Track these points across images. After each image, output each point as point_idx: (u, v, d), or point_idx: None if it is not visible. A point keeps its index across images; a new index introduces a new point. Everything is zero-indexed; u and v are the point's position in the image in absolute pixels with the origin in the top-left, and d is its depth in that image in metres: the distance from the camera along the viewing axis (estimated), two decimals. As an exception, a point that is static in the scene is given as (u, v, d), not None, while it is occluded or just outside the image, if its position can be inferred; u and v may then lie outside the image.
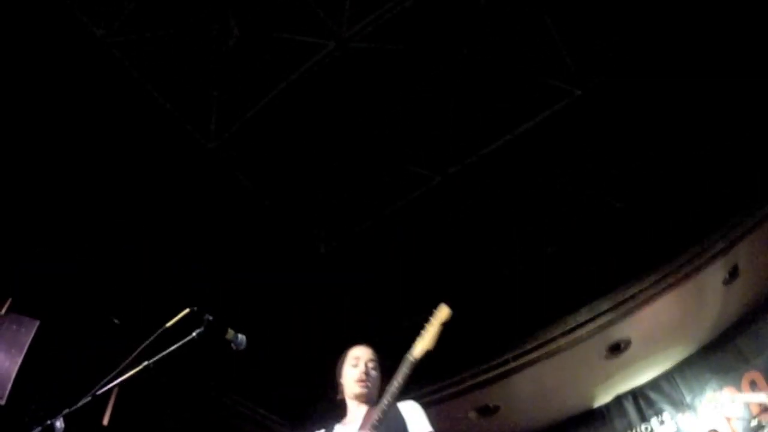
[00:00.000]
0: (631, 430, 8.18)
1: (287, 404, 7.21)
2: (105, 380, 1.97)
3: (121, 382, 1.97)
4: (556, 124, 5.04)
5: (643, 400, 8.23)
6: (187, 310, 2.06)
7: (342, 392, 2.88)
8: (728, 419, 7.52)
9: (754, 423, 6.29)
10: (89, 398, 1.94)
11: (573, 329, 6.30)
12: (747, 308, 7.77)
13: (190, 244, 5.07)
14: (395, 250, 5.59)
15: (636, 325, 6.60)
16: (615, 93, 4.97)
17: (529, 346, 6.46)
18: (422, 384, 6.53)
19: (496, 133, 5.00)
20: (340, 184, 5.04)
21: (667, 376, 8.15)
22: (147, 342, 1.98)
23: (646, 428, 8.12)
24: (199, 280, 5.19)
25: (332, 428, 2.76)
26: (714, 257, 6.28)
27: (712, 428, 6.80)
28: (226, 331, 2.15)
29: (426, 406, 6.45)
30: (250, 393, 6.80)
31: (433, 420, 2.77)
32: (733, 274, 6.87)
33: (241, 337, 2.20)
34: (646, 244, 6.07)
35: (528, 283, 5.95)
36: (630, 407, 8.22)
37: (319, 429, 2.77)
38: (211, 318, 2.08)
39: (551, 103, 4.90)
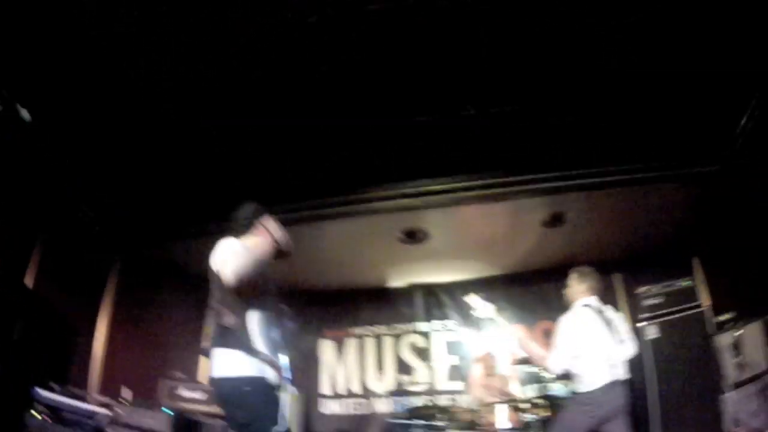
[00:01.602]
0: (414, 320, 8.54)
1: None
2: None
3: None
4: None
5: (434, 299, 8.52)
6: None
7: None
8: (513, 354, 7.86)
9: (534, 369, 6.52)
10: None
11: (372, 199, 6.26)
12: (564, 260, 7.89)
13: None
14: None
15: (437, 222, 6.66)
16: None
17: (328, 201, 6.40)
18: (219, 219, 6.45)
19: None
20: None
21: (465, 286, 8.33)
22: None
23: (430, 327, 8.46)
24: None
25: None
26: (533, 193, 6.23)
27: (484, 354, 6.99)
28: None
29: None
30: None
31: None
32: (557, 220, 6.89)
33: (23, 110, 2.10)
34: (473, 153, 5.93)
35: (346, 146, 5.80)
36: (420, 300, 8.52)
37: None
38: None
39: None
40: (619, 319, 4.64)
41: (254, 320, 3.05)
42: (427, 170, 6.04)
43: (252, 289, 3.01)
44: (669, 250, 7.97)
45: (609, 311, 4.67)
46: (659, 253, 7.95)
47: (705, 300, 7.37)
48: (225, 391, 3.03)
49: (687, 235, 7.81)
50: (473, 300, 4.95)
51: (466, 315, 8.31)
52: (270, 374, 3.00)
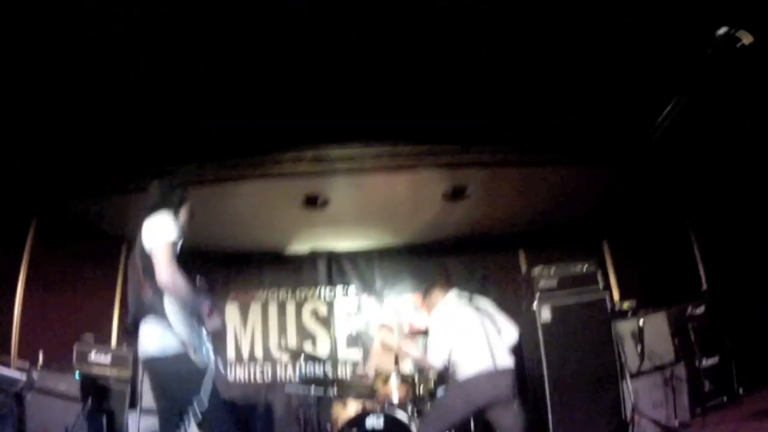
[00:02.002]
0: (316, 287, 8.52)
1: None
2: None
3: None
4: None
5: (336, 266, 8.54)
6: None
7: None
8: (410, 324, 7.94)
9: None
10: None
11: (273, 163, 6.15)
12: (467, 232, 8.06)
13: None
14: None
15: (337, 188, 6.59)
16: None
17: (232, 163, 6.24)
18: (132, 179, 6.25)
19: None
20: None
21: (368, 255, 8.43)
22: None
23: (330, 292, 8.48)
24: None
25: None
26: (434, 165, 6.24)
27: (384, 324, 7.02)
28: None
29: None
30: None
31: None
32: (458, 193, 6.92)
33: None
34: (375, 121, 5.84)
35: (252, 109, 5.63)
36: (322, 266, 8.50)
37: None
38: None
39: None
40: (493, 307, 4.67)
41: (170, 299, 3.08)
42: (328, 136, 5.95)
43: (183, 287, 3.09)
44: (577, 231, 8.21)
45: (479, 300, 4.71)
46: (567, 233, 8.18)
47: (608, 285, 7.65)
48: (151, 368, 3.16)
49: (597, 219, 8.06)
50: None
51: (367, 283, 8.37)
52: (191, 354, 3.05)
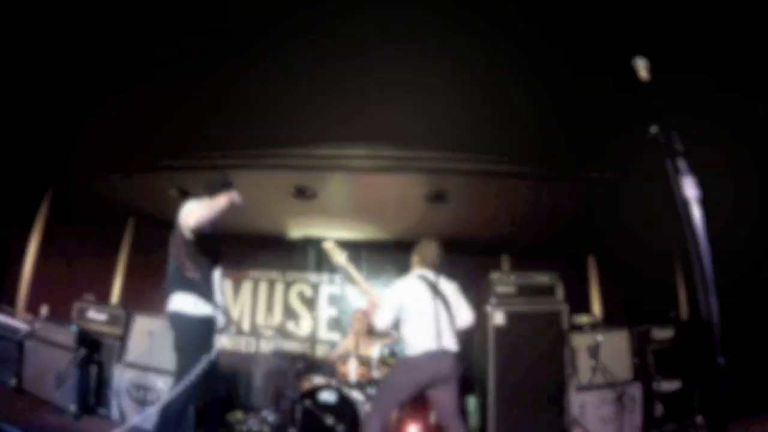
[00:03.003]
0: (306, 271, 9.13)
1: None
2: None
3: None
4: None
5: (324, 253, 9.02)
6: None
7: None
8: None
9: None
10: None
11: (267, 156, 6.67)
12: (451, 233, 8.45)
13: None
14: None
15: (324, 183, 7.15)
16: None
17: (231, 153, 6.75)
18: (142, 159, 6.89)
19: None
20: None
21: (355, 246, 8.89)
22: None
23: (319, 279, 9.05)
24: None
25: None
26: (414, 170, 6.72)
27: (361, 309, 7.39)
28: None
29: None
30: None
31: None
32: (439, 197, 7.40)
33: None
34: (364, 124, 6.30)
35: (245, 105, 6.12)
36: (312, 253, 9.10)
37: None
38: None
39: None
40: (454, 292, 4.90)
41: (214, 275, 4.21)
42: (319, 135, 6.41)
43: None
44: (563, 242, 8.63)
45: (443, 283, 4.95)
46: (553, 243, 8.60)
47: (588, 300, 8.06)
48: (177, 322, 4.07)
49: (581, 233, 8.46)
50: (329, 246, 5.37)
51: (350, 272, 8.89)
52: (220, 318, 4.20)
